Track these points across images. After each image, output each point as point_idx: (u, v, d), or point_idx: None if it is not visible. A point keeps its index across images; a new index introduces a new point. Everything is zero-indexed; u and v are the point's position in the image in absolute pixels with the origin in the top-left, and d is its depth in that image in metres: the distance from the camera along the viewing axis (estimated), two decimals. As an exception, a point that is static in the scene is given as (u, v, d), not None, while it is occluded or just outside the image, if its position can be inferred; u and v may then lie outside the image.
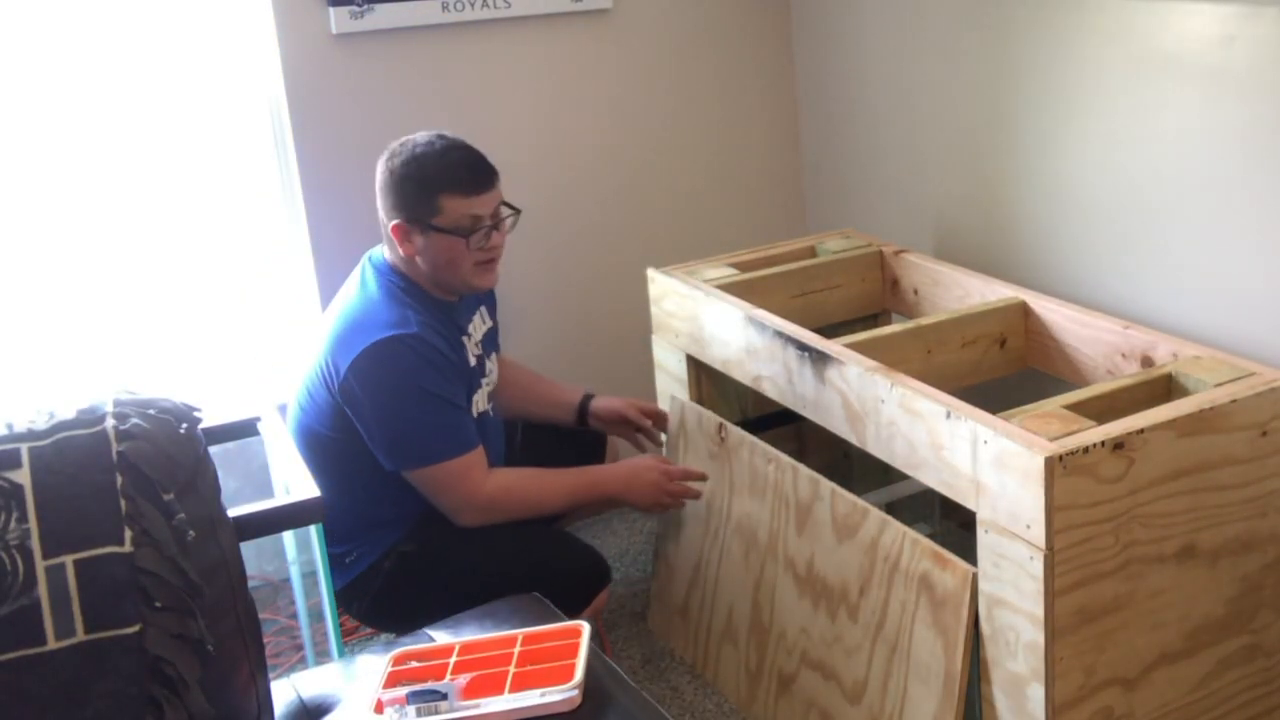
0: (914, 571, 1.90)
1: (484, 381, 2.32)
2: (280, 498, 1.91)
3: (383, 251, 2.24)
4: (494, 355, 2.44)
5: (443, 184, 2.12)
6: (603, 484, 2.33)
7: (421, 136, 2.17)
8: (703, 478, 2.39)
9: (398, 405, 2.11)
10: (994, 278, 2.39)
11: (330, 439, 2.18)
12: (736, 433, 2.36)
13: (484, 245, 2.16)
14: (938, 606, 1.86)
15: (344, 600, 2.23)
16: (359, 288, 2.22)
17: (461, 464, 2.15)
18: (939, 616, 1.86)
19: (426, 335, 2.12)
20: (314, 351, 2.22)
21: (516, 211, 2.24)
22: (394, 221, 2.14)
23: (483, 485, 2.18)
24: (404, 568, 2.21)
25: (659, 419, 2.57)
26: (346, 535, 2.19)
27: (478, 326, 2.35)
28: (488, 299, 2.44)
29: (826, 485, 2.10)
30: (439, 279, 2.19)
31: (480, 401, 2.29)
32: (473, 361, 2.27)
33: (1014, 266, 2.52)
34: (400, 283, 2.19)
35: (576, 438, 2.57)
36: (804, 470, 2.16)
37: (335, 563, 2.18)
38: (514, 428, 2.56)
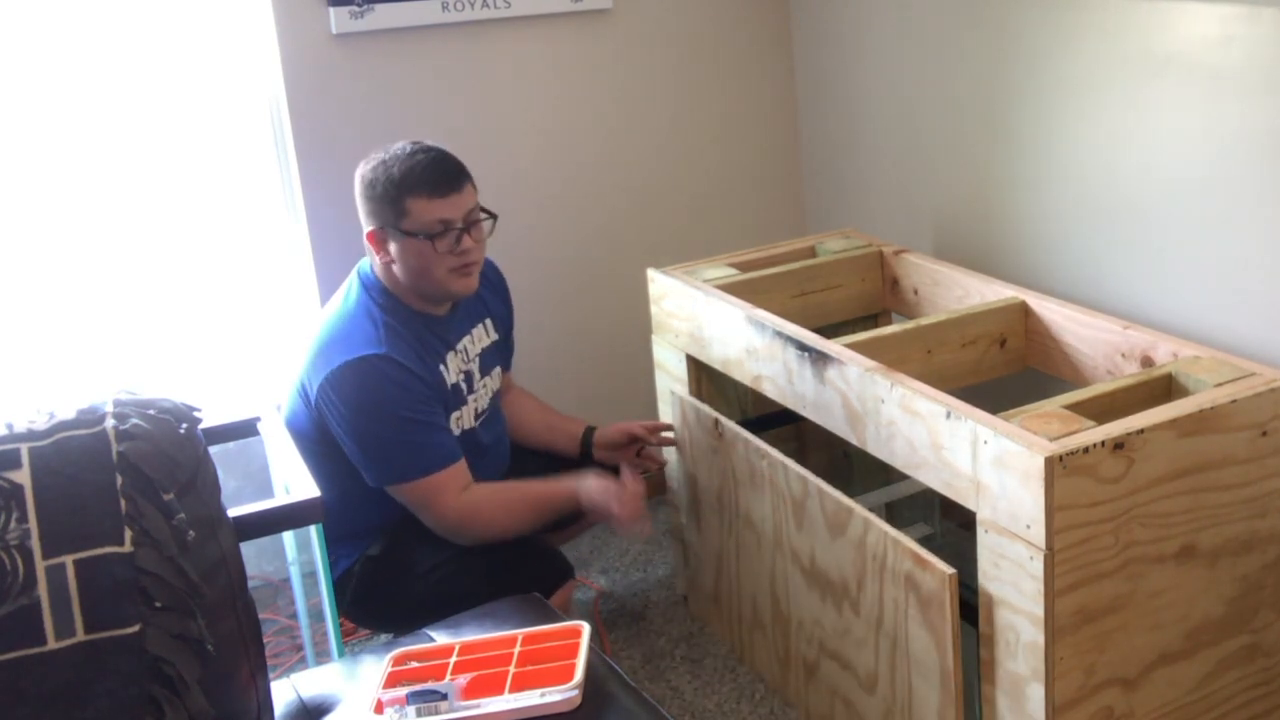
0: (899, 571, 1.90)
1: (470, 399, 2.28)
2: (280, 498, 1.92)
3: (369, 262, 2.24)
4: (495, 371, 2.39)
5: (408, 186, 2.10)
6: (561, 490, 2.25)
7: (396, 144, 2.16)
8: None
9: (366, 425, 2.11)
10: (994, 278, 2.38)
11: (308, 446, 2.16)
12: (731, 428, 2.35)
13: (454, 250, 2.12)
14: (925, 606, 1.86)
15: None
16: (342, 300, 2.22)
17: (431, 482, 2.13)
18: (927, 615, 1.86)
19: (395, 355, 2.11)
20: (299, 357, 2.22)
21: (493, 216, 2.21)
22: (368, 229, 2.15)
23: (451, 505, 2.15)
24: (372, 571, 2.21)
25: (663, 431, 2.54)
26: (330, 539, 2.18)
27: (476, 340, 2.33)
28: (498, 309, 2.41)
29: (815, 483, 2.10)
30: (417, 287, 2.17)
31: (465, 419, 2.27)
32: (455, 379, 2.24)
33: (1014, 266, 2.52)
34: (379, 297, 2.18)
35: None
36: (793, 468, 2.16)
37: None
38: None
